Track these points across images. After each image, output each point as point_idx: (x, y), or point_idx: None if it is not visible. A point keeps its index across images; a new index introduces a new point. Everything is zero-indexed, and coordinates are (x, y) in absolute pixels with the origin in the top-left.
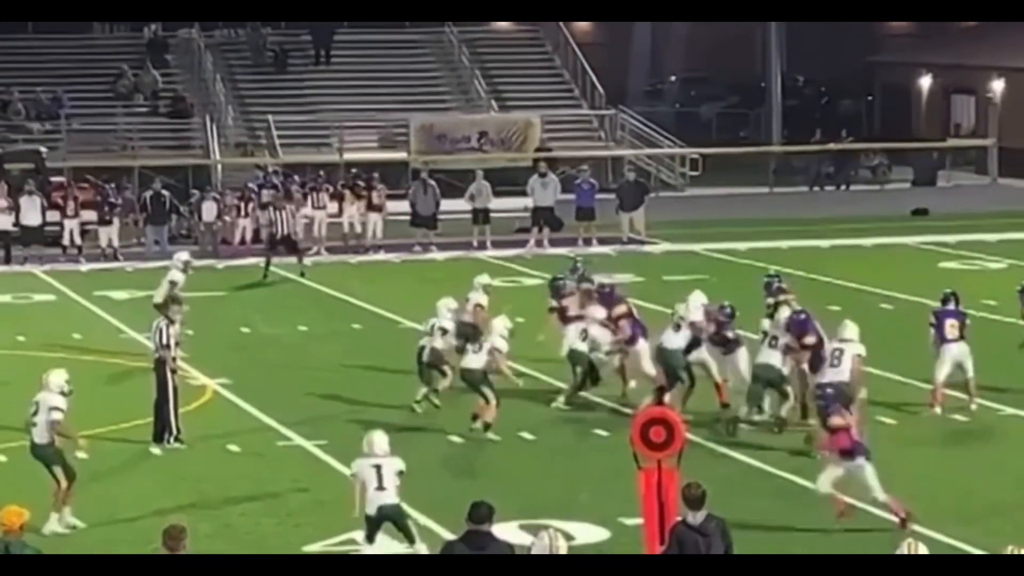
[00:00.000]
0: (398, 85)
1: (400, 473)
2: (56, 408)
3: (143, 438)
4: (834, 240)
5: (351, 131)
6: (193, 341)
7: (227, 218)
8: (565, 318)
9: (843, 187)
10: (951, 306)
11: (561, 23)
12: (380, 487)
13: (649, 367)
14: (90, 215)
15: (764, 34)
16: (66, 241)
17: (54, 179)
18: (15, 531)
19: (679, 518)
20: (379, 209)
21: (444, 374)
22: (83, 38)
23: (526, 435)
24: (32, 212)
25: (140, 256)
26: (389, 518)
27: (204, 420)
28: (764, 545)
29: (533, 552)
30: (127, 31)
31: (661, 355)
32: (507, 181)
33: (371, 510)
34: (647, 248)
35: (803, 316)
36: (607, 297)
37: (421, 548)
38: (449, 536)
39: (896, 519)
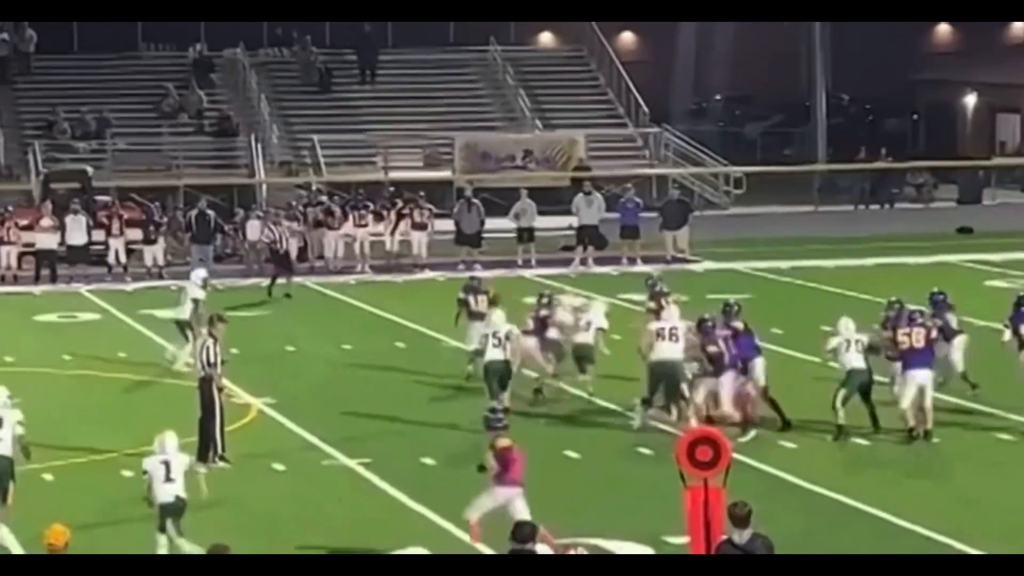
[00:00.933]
0: (443, 104)
1: (188, 471)
2: (21, 423)
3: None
4: (879, 259)
5: (395, 150)
6: (237, 360)
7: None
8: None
9: (888, 205)
10: None
11: (605, 41)
12: (168, 479)
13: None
14: (135, 234)
15: (809, 52)
16: (111, 260)
17: (99, 198)
18: (60, 550)
19: (724, 536)
20: (424, 228)
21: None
22: (128, 57)
23: (571, 454)
24: (78, 231)
25: (185, 275)
26: (175, 509)
27: (249, 439)
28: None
29: None
30: (172, 51)
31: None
32: (551, 200)
33: (163, 499)
34: (691, 266)
35: (710, 324)
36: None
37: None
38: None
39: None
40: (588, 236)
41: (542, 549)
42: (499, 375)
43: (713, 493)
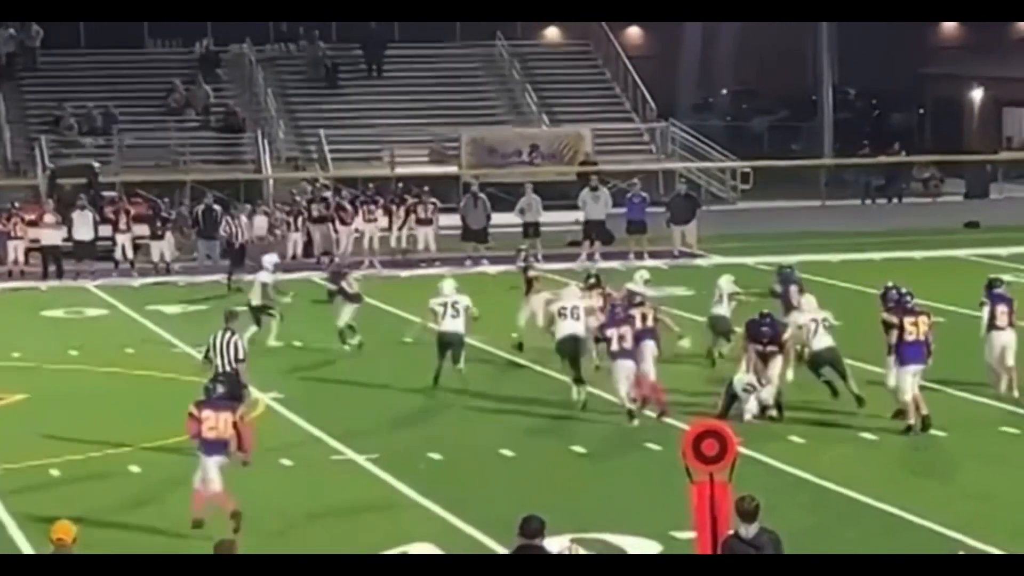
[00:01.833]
0: (449, 99)
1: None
2: None
3: (194, 453)
4: (886, 253)
5: (402, 145)
6: None
7: (278, 232)
8: None
9: (895, 200)
10: (1000, 291)
11: (612, 36)
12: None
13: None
14: (142, 229)
15: (815, 47)
16: (118, 255)
17: (106, 194)
18: (67, 545)
19: (731, 531)
20: (429, 223)
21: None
22: (135, 53)
23: (578, 448)
24: (84, 227)
25: (192, 270)
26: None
27: (256, 434)
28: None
29: None
30: (179, 46)
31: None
32: (558, 195)
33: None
34: (698, 261)
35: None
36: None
37: None
38: (502, 550)
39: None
40: (595, 231)
41: (550, 545)
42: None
43: (719, 488)
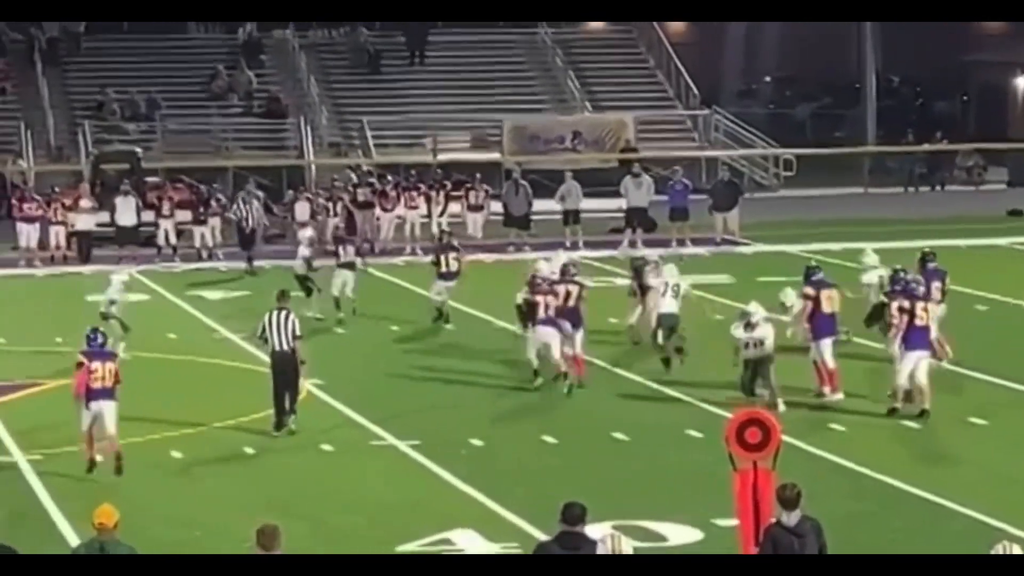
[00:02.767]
0: (491, 86)
1: None
2: None
3: (235, 438)
4: (929, 241)
5: (444, 132)
6: None
7: (319, 218)
8: None
9: (938, 188)
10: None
11: (655, 23)
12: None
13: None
14: (185, 215)
15: (859, 34)
16: (161, 241)
17: (149, 179)
18: (109, 530)
19: (773, 519)
20: (480, 209)
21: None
22: (178, 39)
23: (620, 435)
24: (127, 212)
25: (233, 256)
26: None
27: (298, 419)
28: (856, 546)
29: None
30: (221, 32)
31: None
32: (601, 182)
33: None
34: (740, 249)
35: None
36: None
37: None
38: (543, 537)
39: None
40: (637, 218)
41: (592, 532)
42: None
43: (762, 475)
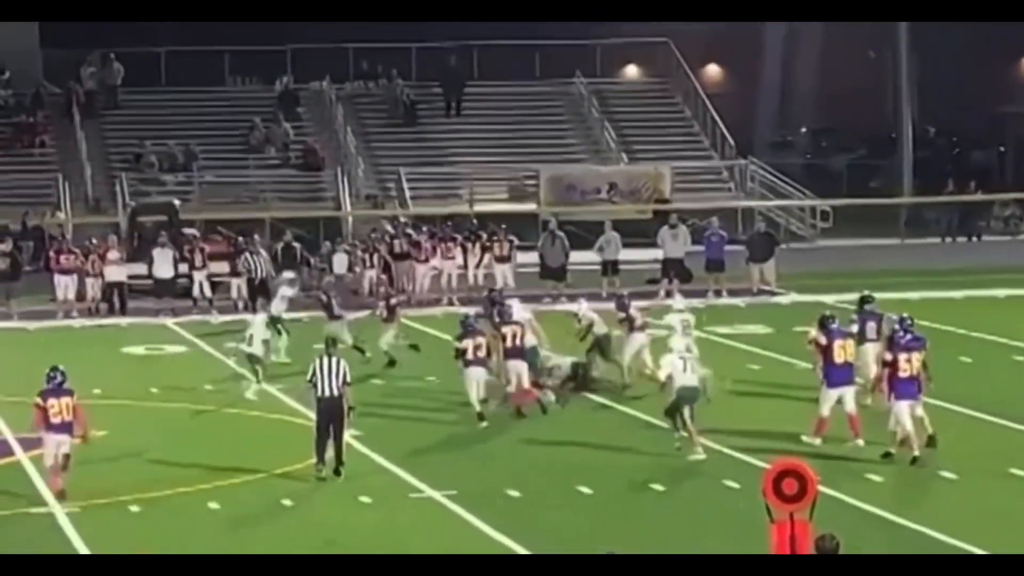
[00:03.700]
0: (528, 137)
1: None
2: None
3: (273, 489)
4: (966, 291)
5: (481, 183)
6: None
7: (356, 269)
8: None
9: (975, 238)
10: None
11: (691, 73)
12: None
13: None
14: (221, 267)
15: (895, 85)
16: (196, 293)
17: (186, 231)
18: None
19: None
20: (507, 260)
21: None
22: (215, 91)
23: (656, 486)
24: (164, 264)
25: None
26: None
27: (345, 468)
28: None
29: None
30: (259, 84)
31: None
32: (637, 232)
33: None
34: (777, 299)
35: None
36: None
37: None
38: None
39: None
40: (673, 269)
41: None
42: None
43: (799, 527)
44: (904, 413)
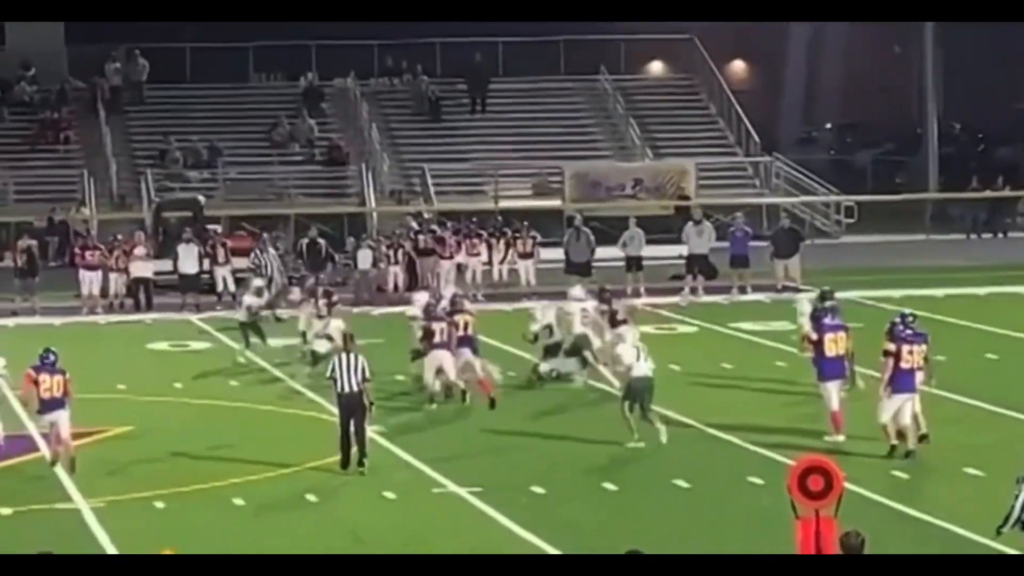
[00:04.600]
0: (553, 133)
1: None
2: None
3: (298, 485)
4: (991, 288)
5: (505, 179)
6: None
7: (381, 265)
8: None
9: (1000, 234)
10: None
11: (715, 70)
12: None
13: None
14: (244, 263)
15: (920, 81)
16: (220, 288)
17: (211, 227)
18: None
19: None
20: (529, 256)
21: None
22: (239, 87)
23: (680, 482)
24: (189, 260)
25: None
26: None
27: (368, 463)
28: None
29: None
30: (283, 80)
31: None
32: (662, 228)
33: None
34: (802, 295)
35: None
36: None
37: None
38: None
39: None
40: (698, 265)
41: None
42: None
43: (825, 523)
44: (891, 406)
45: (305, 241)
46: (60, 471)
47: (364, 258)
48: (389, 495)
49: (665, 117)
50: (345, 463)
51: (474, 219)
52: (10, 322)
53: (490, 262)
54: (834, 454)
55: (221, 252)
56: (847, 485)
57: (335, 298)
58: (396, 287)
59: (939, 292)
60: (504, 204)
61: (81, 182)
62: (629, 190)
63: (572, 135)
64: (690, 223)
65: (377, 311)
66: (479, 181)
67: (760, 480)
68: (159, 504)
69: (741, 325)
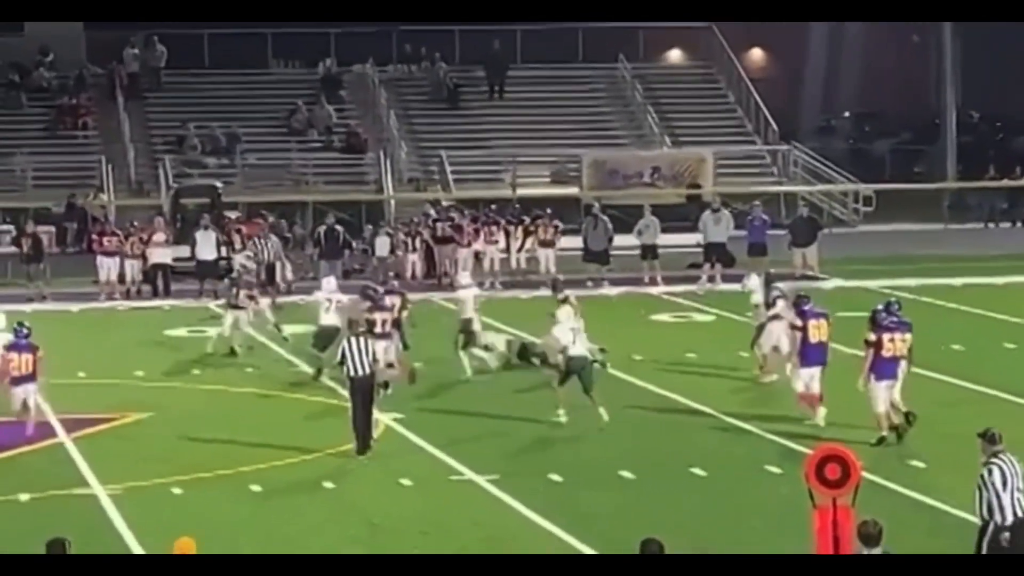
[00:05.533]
0: (571, 120)
1: None
2: None
3: (314, 472)
4: (1009, 277)
5: (523, 166)
6: None
7: (399, 253)
8: None
9: (1018, 223)
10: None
11: (734, 58)
12: None
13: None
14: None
15: (939, 70)
16: (235, 275)
17: (229, 214)
18: None
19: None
20: (551, 244)
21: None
22: (258, 74)
23: (697, 471)
24: (207, 247)
25: (310, 290)
26: None
27: (376, 454)
28: None
29: None
30: (302, 67)
31: None
32: (680, 217)
33: None
34: (819, 284)
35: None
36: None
37: None
38: None
39: None
40: (716, 253)
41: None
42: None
43: (842, 512)
44: (880, 394)
45: (323, 228)
46: (77, 456)
47: (382, 245)
48: (406, 482)
49: (683, 105)
50: (362, 449)
51: (492, 207)
52: (27, 308)
53: (508, 250)
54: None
55: (238, 239)
56: (864, 474)
57: (282, 288)
58: (414, 275)
59: (957, 281)
60: (522, 192)
61: (99, 168)
62: (647, 178)
63: (590, 123)
64: (708, 211)
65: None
66: (497, 169)
67: (778, 469)
68: (176, 490)
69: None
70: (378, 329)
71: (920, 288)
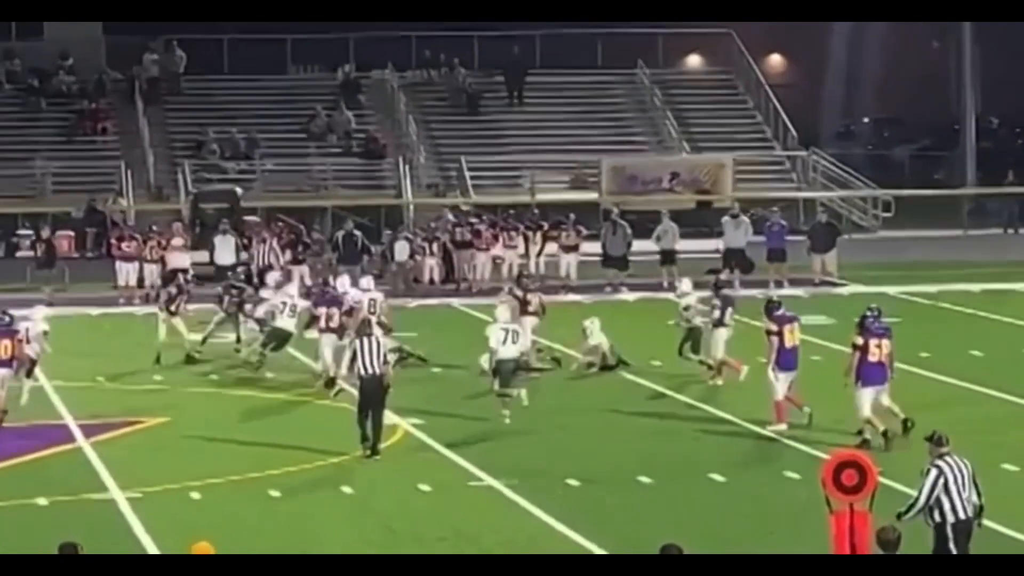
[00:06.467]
0: (590, 126)
1: None
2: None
3: (334, 477)
4: None
5: (543, 172)
6: None
7: (418, 257)
8: None
9: None
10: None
11: (753, 63)
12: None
13: None
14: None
15: (958, 75)
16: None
17: (247, 218)
18: None
19: None
20: (574, 249)
21: None
22: (277, 79)
23: (716, 476)
24: (226, 251)
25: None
26: None
27: (395, 459)
28: None
29: None
30: (321, 72)
31: None
32: (699, 222)
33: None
34: (838, 290)
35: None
36: None
37: None
38: None
39: None
40: (735, 259)
41: None
42: None
43: (859, 517)
44: (866, 399)
45: (341, 233)
46: (96, 460)
47: (401, 250)
48: (424, 487)
49: (703, 111)
50: (371, 447)
51: (511, 212)
52: (47, 312)
53: (527, 255)
54: (866, 449)
55: (255, 244)
56: (881, 480)
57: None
58: (432, 280)
59: (976, 287)
60: (541, 197)
61: (118, 173)
62: (666, 184)
63: (609, 128)
64: (727, 217)
65: (413, 303)
66: (516, 174)
67: (796, 475)
68: (195, 495)
69: None
70: (321, 324)
71: (939, 294)
